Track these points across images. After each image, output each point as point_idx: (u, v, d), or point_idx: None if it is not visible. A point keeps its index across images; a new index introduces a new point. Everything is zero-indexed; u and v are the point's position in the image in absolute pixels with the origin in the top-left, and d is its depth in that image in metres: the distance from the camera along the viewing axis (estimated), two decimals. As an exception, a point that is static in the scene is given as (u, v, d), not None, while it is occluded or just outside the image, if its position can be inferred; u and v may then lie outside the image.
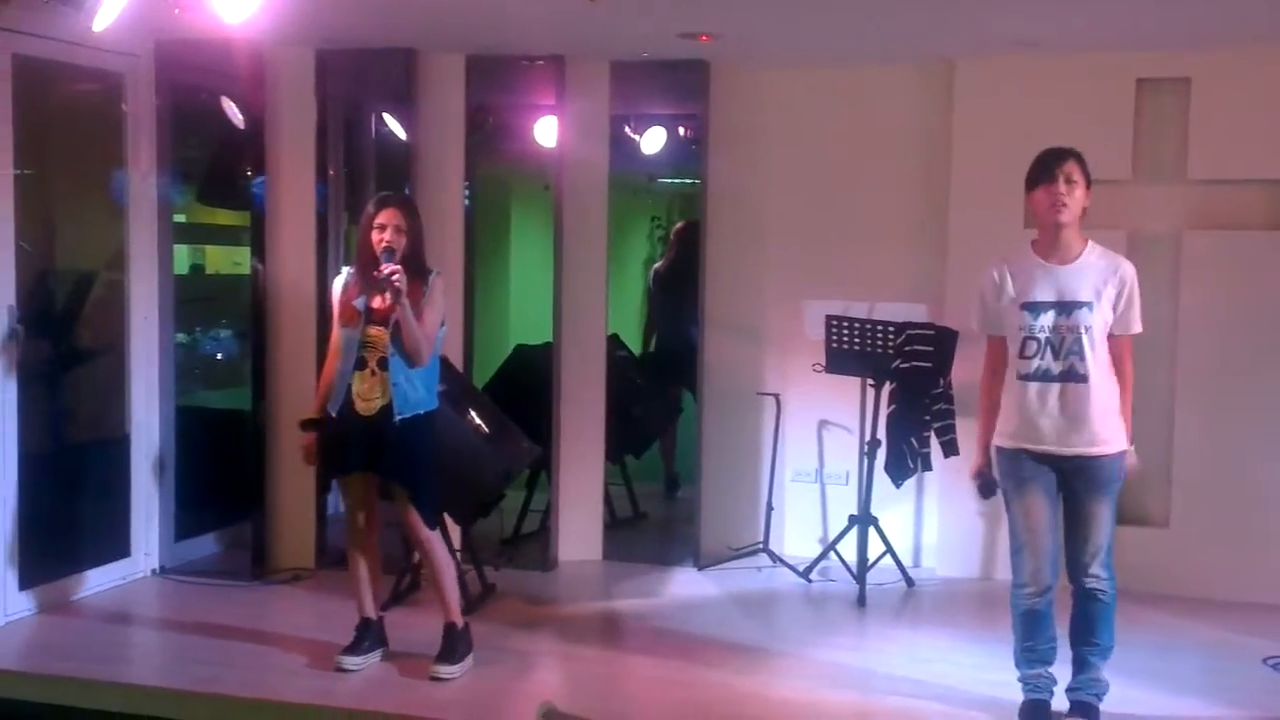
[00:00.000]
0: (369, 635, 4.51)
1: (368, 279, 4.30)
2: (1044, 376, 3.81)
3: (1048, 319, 3.80)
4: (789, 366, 5.98)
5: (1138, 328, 3.86)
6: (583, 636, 4.95)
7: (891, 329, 5.35)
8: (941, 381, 5.40)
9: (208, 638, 4.79)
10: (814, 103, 5.97)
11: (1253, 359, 5.30)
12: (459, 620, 4.46)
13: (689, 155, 6.21)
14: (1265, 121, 5.25)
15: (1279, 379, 5.26)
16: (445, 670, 4.35)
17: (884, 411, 5.47)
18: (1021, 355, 3.85)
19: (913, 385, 5.39)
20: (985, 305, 3.98)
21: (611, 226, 6.09)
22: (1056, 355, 3.80)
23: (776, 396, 5.98)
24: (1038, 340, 3.82)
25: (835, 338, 5.46)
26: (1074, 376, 3.78)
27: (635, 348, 7.38)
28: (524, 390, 6.06)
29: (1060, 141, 3.93)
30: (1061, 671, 4.02)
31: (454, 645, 4.42)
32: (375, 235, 4.30)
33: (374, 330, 4.30)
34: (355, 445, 4.34)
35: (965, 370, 5.42)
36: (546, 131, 6.09)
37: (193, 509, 5.81)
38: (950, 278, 5.67)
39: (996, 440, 3.96)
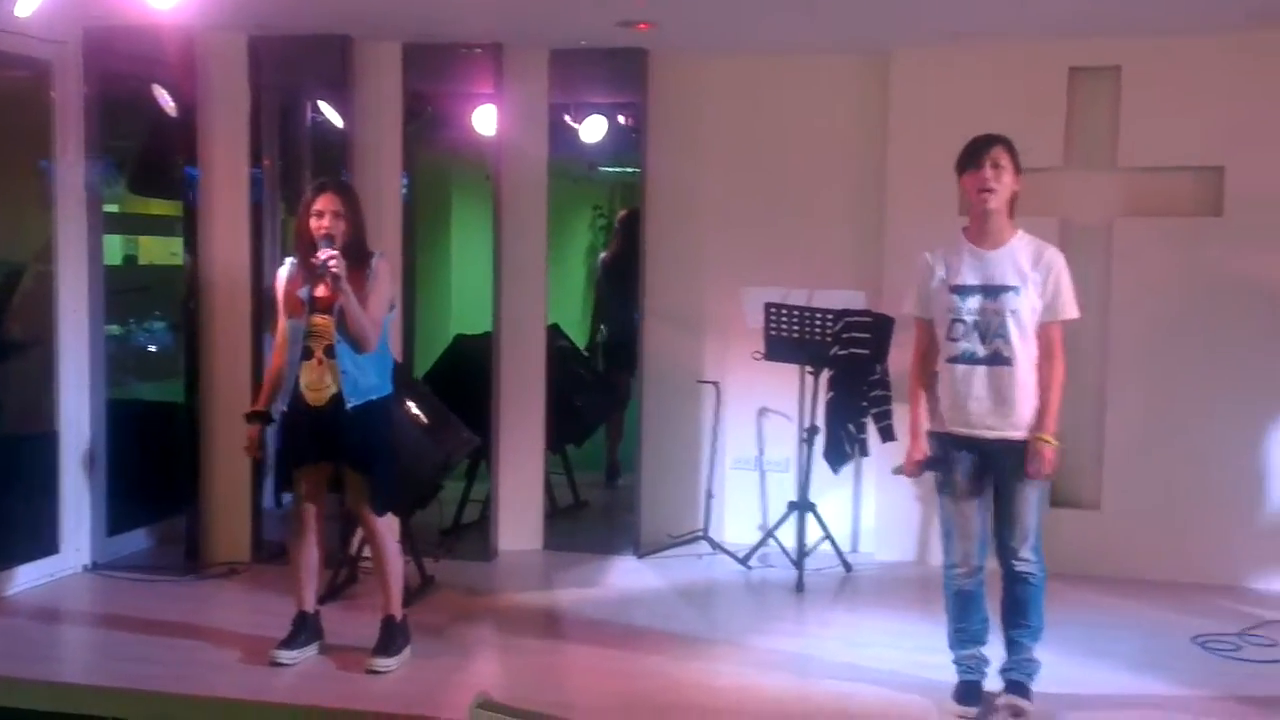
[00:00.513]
0: (306, 629, 4.47)
1: (308, 267, 4.25)
2: (970, 359, 3.85)
3: (974, 302, 3.85)
4: (728, 354, 6.00)
5: (1070, 313, 3.88)
6: (522, 626, 4.93)
7: (829, 316, 5.39)
8: (878, 368, 5.44)
9: (141, 634, 4.71)
10: (753, 91, 5.99)
11: (1182, 344, 5.40)
12: (399, 613, 4.44)
13: (629, 144, 6.21)
14: (1193, 109, 5.34)
15: (1208, 363, 5.36)
16: (382, 663, 4.32)
17: (822, 398, 5.51)
18: (949, 338, 3.90)
19: (850, 372, 5.42)
20: (919, 288, 4.03)
21: (552, 216, 6.07)
22: (982, 339, 3.84)
23: (716, 384, 6.00)
24: (964, 323, 3.86)
25: (774, 325, 5.48)
26: (999, 360, 3.82)
27: (578, 337, 7.37)
28: (464, 380, 6.04)
29: (995, 129, 3.97)
30: (995, 653, 4.08)
31: (392, 637, 4.39)
32: (314, 222, 4.25)
33: (319, 319, 4.26)
34: (308, 436, 4.30)
35: (902, 357, 5.47)
36: (486, 120, 6.06)
37: (125, 503, 5.72)
38: (887, 265, 5.71)
39: (929, 425, 4.01)
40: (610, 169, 8.83)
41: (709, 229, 6.06)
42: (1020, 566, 3.91)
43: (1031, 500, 3.89)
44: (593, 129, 6.63)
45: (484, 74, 5.79)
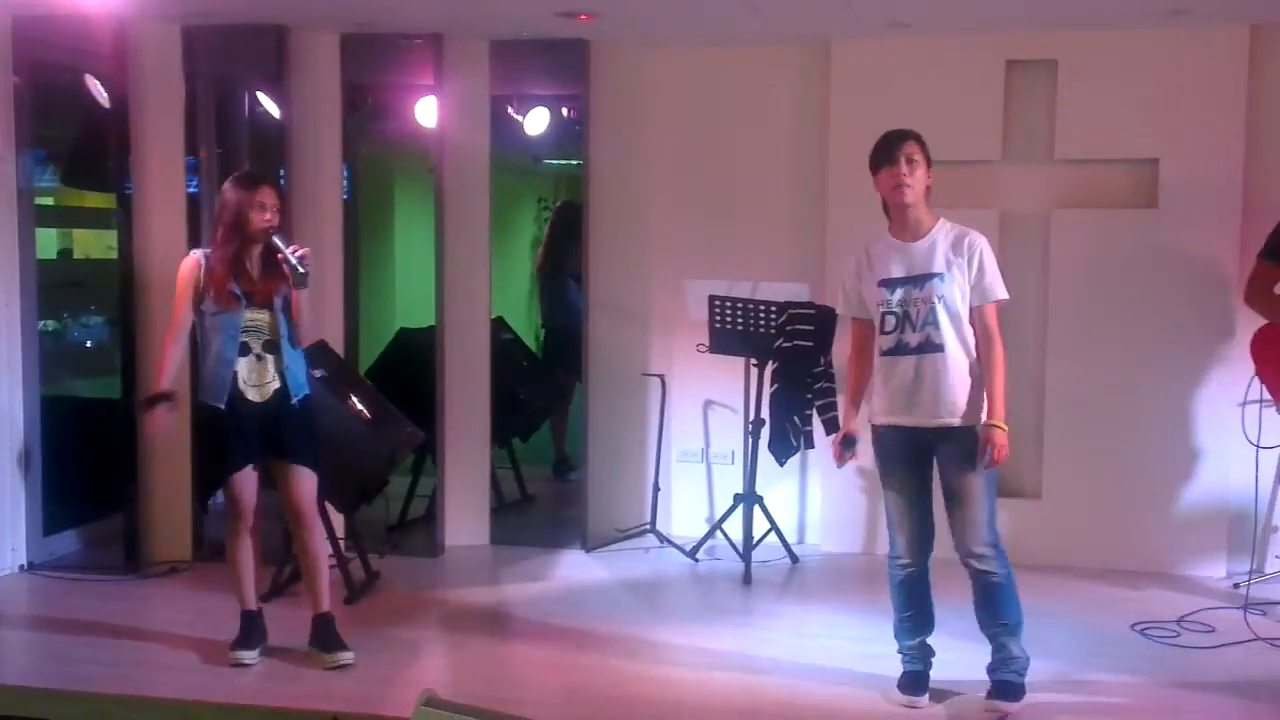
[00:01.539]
0: (257, 627, 4.41)
1: (268, 261, 4.22)
2: (902, 350, 3.88)
3: (901, 293, 3.88)
4: (674, 347, 6.01)
5: (999, 294, 3.89)
6: (469, 622, 4.91)
7: (773, 308, 5.40)
8: (823, 360, 5.46)
9: (80, 635, 4.63)
10: (695, 82, 5.98)
11: (1120, 334, 5.48)
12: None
13: (573, 136, 6.18)
14: (1128, 102, 5.40)
15: (1145, 353, 5.44)
16: (346, 655, 4.30)
17: (767, 391, 5.53)
18: (882, 331, 3.93)
19: (795, 364, 5.44)
20: (845, 289, 4.08)
21: (496, 208, 6.03)
22: (913, 328, 3.87)
23: (662, 377, 6.00)
24: (895, 315, 3.89)
25: (718, 318, 5.49)
26: (930, 347, 3.85)
27: (524, 330, 7.34)
28: (408, 374, 6.00)
29: (934, 122, 4.01)
30: (938, 643, 4.11)
31: (335, 630, 4.36)
32: (256, 215, 4.19)
33: (257, 314, 4.22)
34: (252, 434, 4.25)
35: (847, 349, 5.50)
36: (427, 112, 6.01)
37: (61, 502, 5.61)
38: (830, 257, 5.73)
39: (871, 418, 4.03)
40: (555, 161, 8.78)
41: (653, 221, 6.05)
42: (979, 564, 3.89)
43: (979, 490, 3.87)
44: (536, 121, 6.59)
45: (424, 65, 5.73)
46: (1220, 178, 5.29)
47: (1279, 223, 4.80)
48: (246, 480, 4.32)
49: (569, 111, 6.43)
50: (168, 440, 5.37)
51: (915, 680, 4.05)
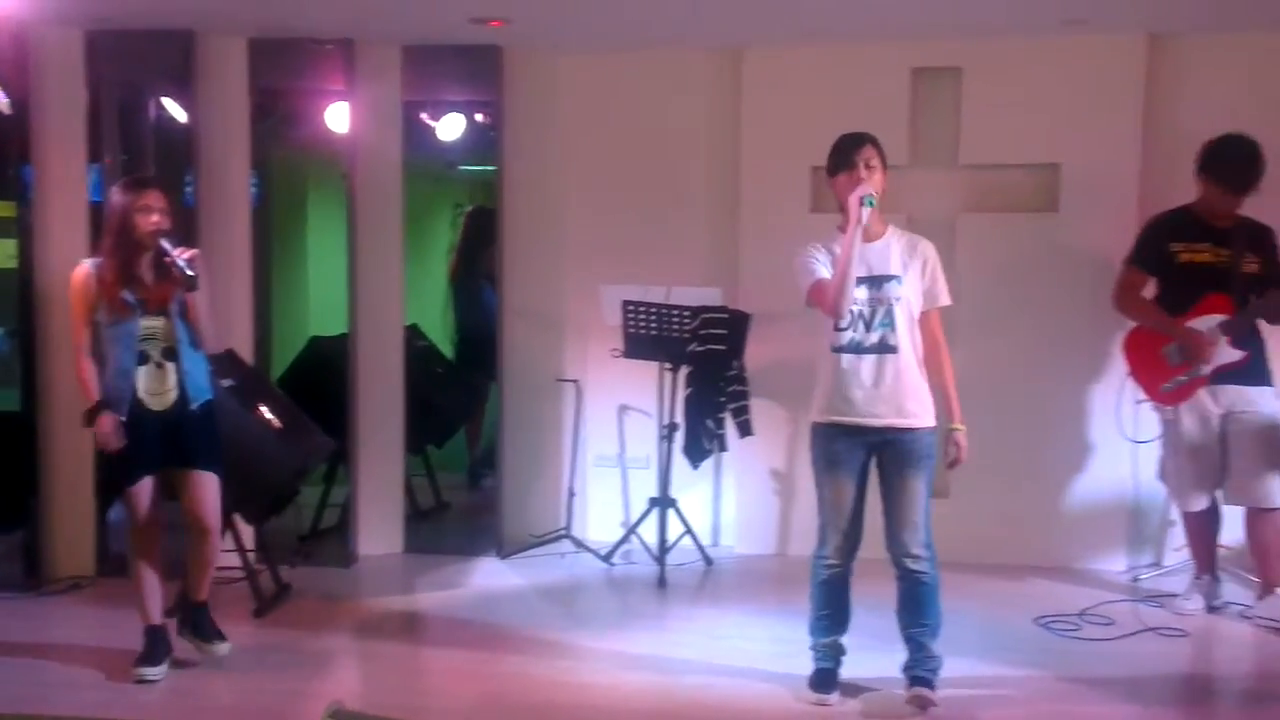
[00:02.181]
0: (162, 643, 4.33)
1: (160, 267, 4.14)
2: (856, 348, 3.90)
3: (861, 292, 3.89)
4: (588, 352, 6.02)
5: (946, 300, 3.99)
6: (382, 633, 4.86)
7: (687, 313, 5.44)
8: (735, 364, 5.52)
9: (-22, 654, 4.52)
10: (609, 88, 6.01)
11: (1023, 335, 5.60)
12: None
13: (488, 142, 6.16)
14: (1030, 109, 5.52)
15: (1048, 353, 5.56)
16: (224, 646, 4.33)
17: (681, 394, 5.56)
18: (835, 328, 3.93)
19: (708, 368, 5.49)
20: (820, 260, 3.95)
21: (411, 215, 6.00)
22: (868, 327, 3.90)
23: (576, 383, 6.01)
24: (851, 313, 3.90)
25: (632, 323, 5.52)
26: (885, 348, 3.89)
27: (441, 337, 7.29)
28: (320, 382, 5.93)
29: (843, 128, 4.02)
30: (859, 644, 4.16)
31: (212, 621, 4.39)
32: (143, 219, 4.12)
33: (154, 322, 4.15)
34: (153, 444, 4.18)
35: (759, 352, 5.58)
36: (339, 117, 5.95)
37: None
38: (743, 261, 5.80)
39: (813, 416, 4.03)
40: (471, 167, 8.74)
41: (567, 226, 6.06)
42: (913, 565, 3.93)
43: (921, 492, 3.92)
44: (450, 127, 6.57)
45: (335, 70, 5.68)
46: (1118, 182, 5.44)
47: (1143, 230, 4.98)
48: (144, 491, 4.25)
49: (483, 117, 6.42)
50: (72, 454, 5.30)
51: (826, 678, 4.09)
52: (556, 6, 5.07)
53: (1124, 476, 5.50)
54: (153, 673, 4.24)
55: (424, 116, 6.39)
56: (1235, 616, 4.90)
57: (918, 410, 3.93)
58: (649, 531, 5.66)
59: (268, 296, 5.83)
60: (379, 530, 5.89)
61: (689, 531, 5.73)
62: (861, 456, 3.96)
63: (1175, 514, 5.36)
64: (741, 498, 5.96)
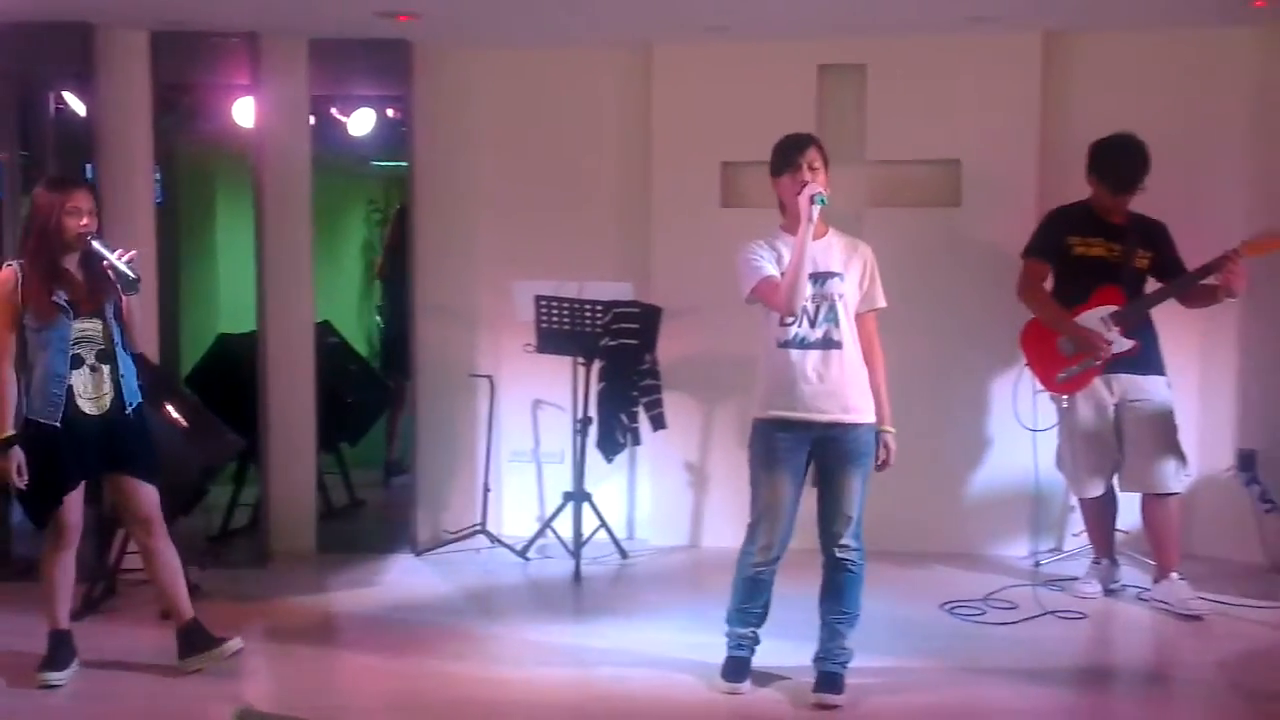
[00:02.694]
0: (66, 647, 4.24)
1: (92, 268, 4.06)
2: (801, 344, 3.93)
3: (806, 288, 3.91)
4: (501, 348, 6.02)
5: (882, 302, 4.05)
6: (294, 633, 4.81)
7: (599, 308, 5.47)
8: (648, 357, 5.57)
9: None
10: (520, 84, 6.01)
11: (929, 327, 5.70)
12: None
13: (401, 138, 6.13)
14: (933, 105, 5.64)
15: (952, 344, 5.69)
16: (235, 643, 4.23)
17: (594, 389, 5.59)
18: (780, 323, 3.95)
19: (620, 362, 5.53)
20: (764, 257, 3.95)
21: (323, 211, 5.96)
22: (813, 323, 3.93)
23: (490, 378, 6.00)
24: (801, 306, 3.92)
25: (545, 318, 5.53)
26: (829, 344, 3.93)
27: (356, 334, 7.23)
28: (229, 381, 5.86)
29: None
30: (773, 634, 4.20)
31: (206, 629, 4.27)
32: (72, 221, 4.03)
33: (87, 324, 4.07)
34: (89, 450, 4.09)
35: (670, 346, 5.63)
36: (245, 112, 5.87)
37: None
38: (655, 256, 5.84)
39: (753, 411, 4.04)
40: (384, 163, 8.67)
41: (480, 222, 6.05)
42: (842, 554, 3.98)
43: (858, 488, 3.97)
44: (361, 123, 6.50)
45: (239, 64, 5.62)
46: (1017, 177, 5.58)
47: (1042, 222, 5.11)
48: (77, 498, 4.16)
49: (394, 113, 6.38)
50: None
51: (738, 667, 4.12)
52: (465, 2, 5.06)
53: (1026, 464, 5.61)
54: (56, 677, 4.14)
55: (334, 112, 6.32)
56: (1132, 599, 5.06)
57: (861, 406, 3.96)
58: (564, 526, 5.68)
59: (175, 294, 5.74)
60: (291, 529, 5.83)
61: (604, 525, 5.77)
62: (803, 452, 3.97)
63: (1075, 500, 5.53)
64: (656, 491, 6.01)
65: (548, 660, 4.45)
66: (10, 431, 4.05)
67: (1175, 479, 4.90)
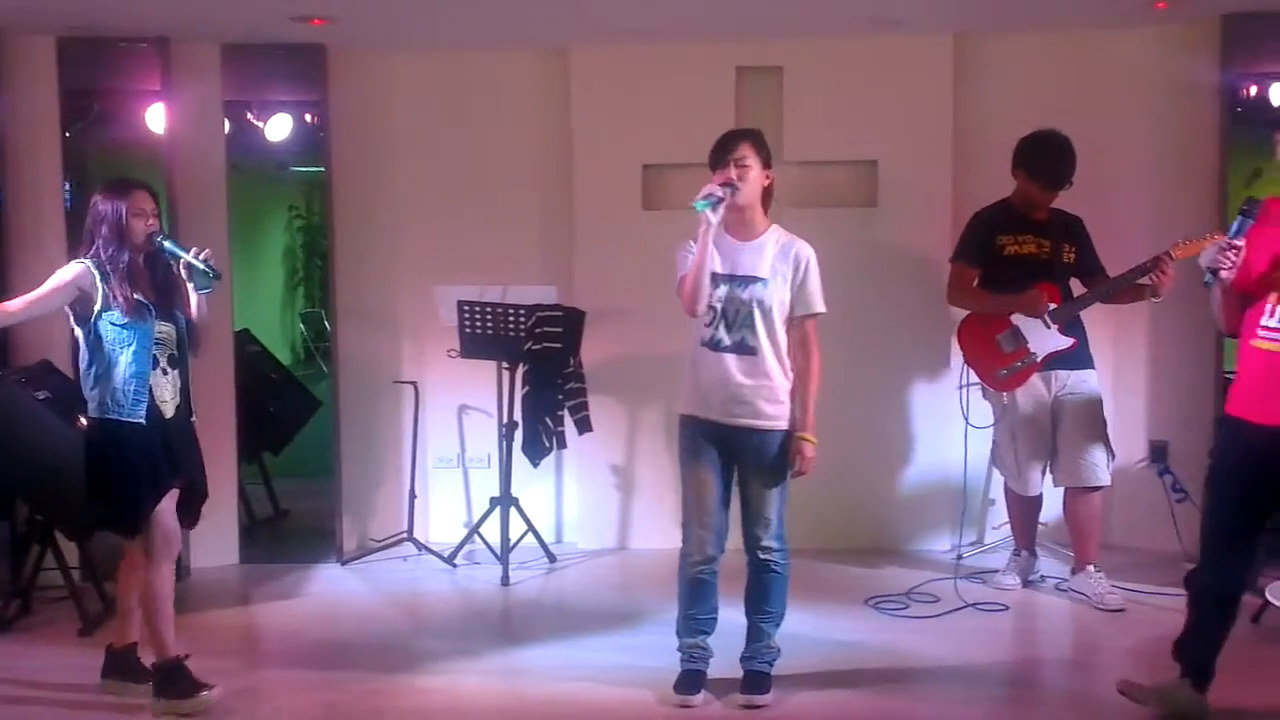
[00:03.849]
0: (182, 673, 4.08)
1: (161, 269, 4.02)
2: (716, 346, 3.91)
3: (722, 290, 3.89)
4: (425, 353, 5.98)
5: (819, 307, 3.99)
6: (216, 646, 4.70)
7: (522, 312, 5.45)
8: (572, 361, 5.56)
9: None
10: (439, 87, 5.97)
11: (850, 326, 5.70)
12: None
13: (320, 143, 6.06)
14: (849, 107, 5.71)
15: (873, 343, 5.74)
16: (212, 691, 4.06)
17: (519, 393, 5.57)
18: (703, 323, 3.94)
19: (545, 366, 5.52)
20: (689, 254, 3.91)
21: (242, 217, 5.87)
22: (729, 327, 3.90)
23: (414, 384, 5.96)
24: (714, 309, 3.90)
25: (468, 323, 5.50)
26: (744, 349, 3.89)
27: (279, 341, 7.14)
28: (145, 392, 5.73)
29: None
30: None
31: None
32: (139, 222, 3.96)
33: (162, 326, 4.00)
34: (169, 451, 4.01)
35: (595, 349, 5.64)
36: (158, 118, 5.76)
37: None
38: (577, 260, 5.84)
39: (678, 407, 4.05)
40: (304, 169, 8.57)
41: (401, 227, 6.00)
42: (764, 555, 3.98)
43: (776, 492, 3.96)
44: (278, 128, 6.42)
45: (150, 70, 5.52)
46: (932, 178, 5.66)
47: (968, 225, 5.15)
48: (171, 503, 4.05)
49: (312, 118, 6.31)
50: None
51: (691, 680, 4.05)
52: (378, 5, 5.02)
53: (948, 460, 5.71)
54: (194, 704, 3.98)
55: (250, 117, 6.23)
56: (1050, 590, 5.16)
57: (773, 413, 3.92)
58: (492, 531, 5.66)
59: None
60: (212, 542, 5.72)
61: (531, 530, 5.75)
62: (722, 451, 3.96)
63: (996, 494, 5.63)
64: (583, 494, 6.01)
65: (476, 668, 4.42)
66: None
67: (1105, 472, 4.98)
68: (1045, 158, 4.94)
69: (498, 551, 5.56)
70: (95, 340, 3.94)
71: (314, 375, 8.55)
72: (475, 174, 5.98)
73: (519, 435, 5.59)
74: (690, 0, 5.01)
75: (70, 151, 5.52)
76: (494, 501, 5.65)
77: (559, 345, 5.49)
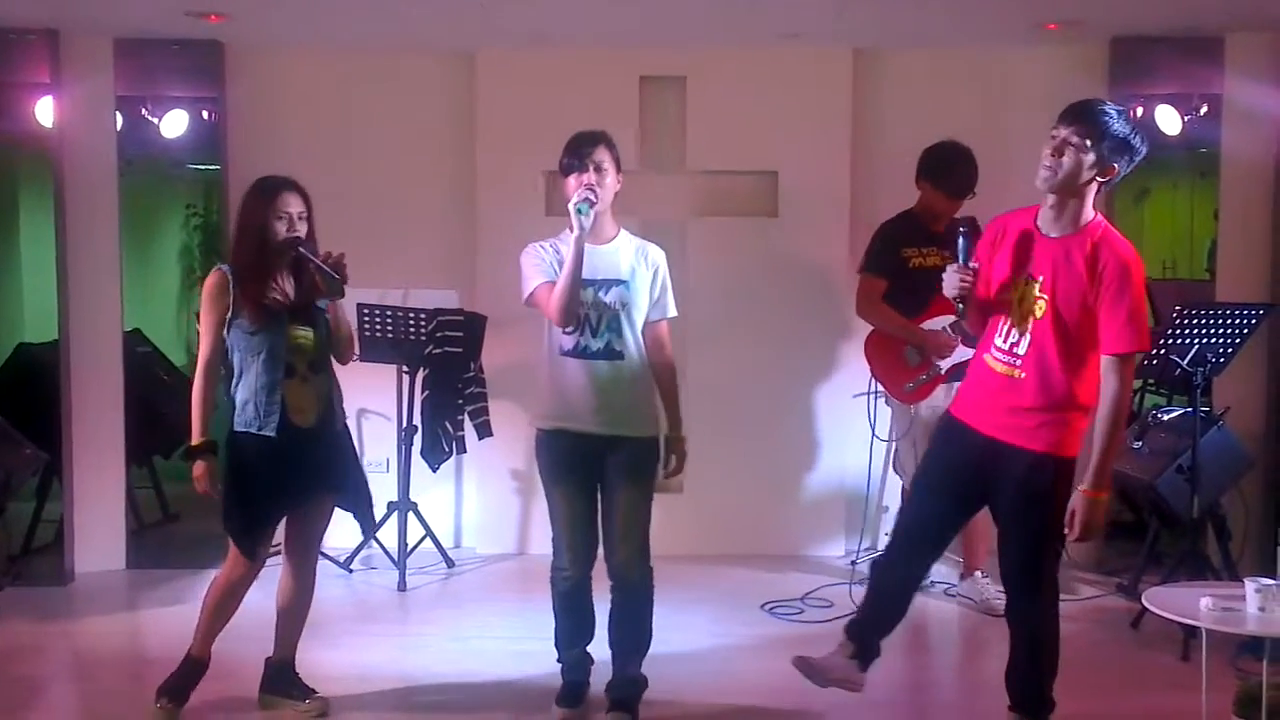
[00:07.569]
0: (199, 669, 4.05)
1: (302, 273, 3.85)
2: (582, 353, 3.80)
3: (587, 295, 3.77)
4: (323, 356, 5.89)
5: (673, 311, 3.93)
6: (100, 654, 4.62)
7: (423, 316, 5.41)
8: (473, 365, 5.54)
9: None
10: (340, 89, 5.91)
11: (750, 335, 5.84)
12: None
13: (217, 140, 5.94)
14: (750, 117, 5.77)
15: (773, 352, 5.81)
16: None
17: (419, 397, 5.53)
18: (563, 331, 3.80)
19: (445, 371, 5.49)
20: (544, 264, 3.82)
21: (135, 215, 5.74)
22: (595, 333, 3.80)
23: (312, 387, 5.86)
24: (577, 316, 3.79)
25: (368, 326, 5.45)
26: (611, 354, 3.80)
27: (173, 342, 6.98)
28: (29, 393, 5.58)
29: (574, 132, 4.01)
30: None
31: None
32: (279, 225, 3.80)
33: (300, 331, 3.83)
34: (304, 466, 3.84)
35: (496, 354, 5.62)
36: (47, 112, 5.61)
37: None
38: (480, 264, 5.82)
39: (537, 422, 3.91)
40: (202, 166, 8.39)
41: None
42: (630, 575, 3.84)
43: (640, 504, 3.83)
44: (173, 124, 6.27)
45: (40, 62, 5.37)
46: (831, 189, 5.75)
47: (873, 237, 5.21)
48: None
49: (209, 114, 6.19)
50: None
51: (571, 693, 3.99)
52: (276, 4, 4.95)
53: (843, 467, 5.82)
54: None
55: (145, 113, 6.09)
56: (939, 595, 5.27)
57: (643, 419, 3.87)
58: (390, 536, 5.60)
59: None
60: (99, 546, 5.58)
61: (430, 534, 5.71)
62: (588, 463, 3.82)
63: (890, 500, 5.74)
64: (482, 499, 5.99)
65: (370, 675, 4.37)
66: (204, 438, 3.81)
67: None
68: (950, 167, 5.02)
69: (395, 556, 5.50)
70: (230, 349, 3.83)
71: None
72: (377, 176, 5.92)
73: (418, 439, 5.55)
74: (595, 6, 5.02)
75: (-46, 143, 5.35)
76: (392, 506, 5.59)
77: (460, 350, 5.46)
